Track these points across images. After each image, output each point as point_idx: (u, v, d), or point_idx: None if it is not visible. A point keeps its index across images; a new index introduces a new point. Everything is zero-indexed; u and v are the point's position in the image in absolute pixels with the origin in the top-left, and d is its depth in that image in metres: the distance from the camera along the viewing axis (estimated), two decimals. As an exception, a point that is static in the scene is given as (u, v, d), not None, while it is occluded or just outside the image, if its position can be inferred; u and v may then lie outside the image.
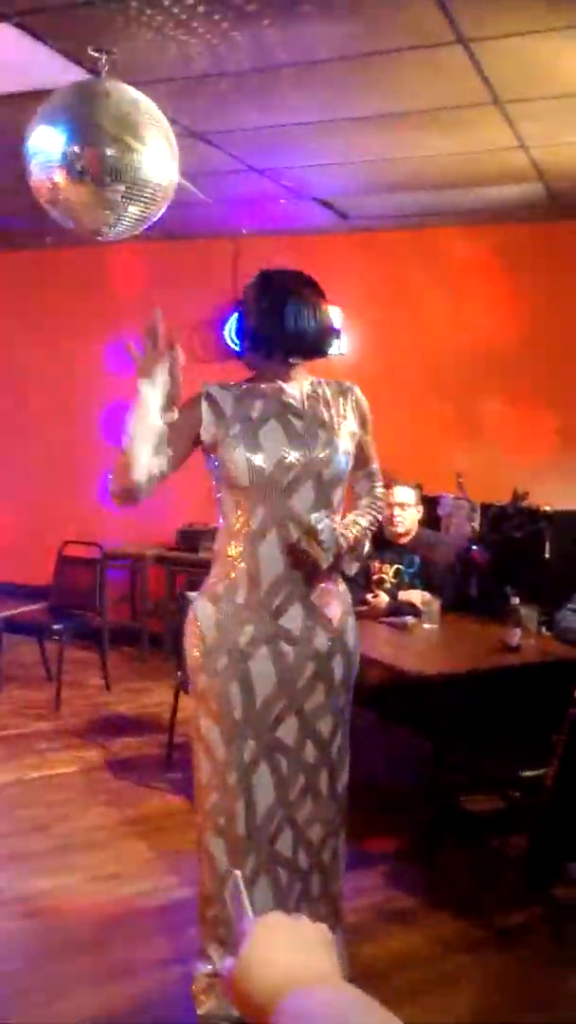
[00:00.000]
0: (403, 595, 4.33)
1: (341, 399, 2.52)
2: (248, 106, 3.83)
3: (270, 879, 2.41)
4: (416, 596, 4.27)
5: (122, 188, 2.95)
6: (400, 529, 4.47)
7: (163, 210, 3.13)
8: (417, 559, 4.47)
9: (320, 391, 2.50)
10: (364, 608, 4.39)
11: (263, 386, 2.43)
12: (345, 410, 2.51)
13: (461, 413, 5.79)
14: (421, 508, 4.56)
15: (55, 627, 5.33)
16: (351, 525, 2.49)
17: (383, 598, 4.36)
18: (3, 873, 3.41)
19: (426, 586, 4.35)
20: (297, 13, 2.93)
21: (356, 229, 6.00)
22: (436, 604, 4.13)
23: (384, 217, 5.72)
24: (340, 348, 6.13)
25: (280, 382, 2.44)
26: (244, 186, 5.06)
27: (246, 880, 2.17)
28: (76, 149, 2.90)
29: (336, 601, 2.46)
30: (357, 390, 2.58)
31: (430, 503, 4.71)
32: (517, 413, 5.65)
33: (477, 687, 3.63)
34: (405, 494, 4.48)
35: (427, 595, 4.24)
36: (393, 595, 4.38)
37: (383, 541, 4.54)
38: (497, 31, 3.06)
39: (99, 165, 2.90)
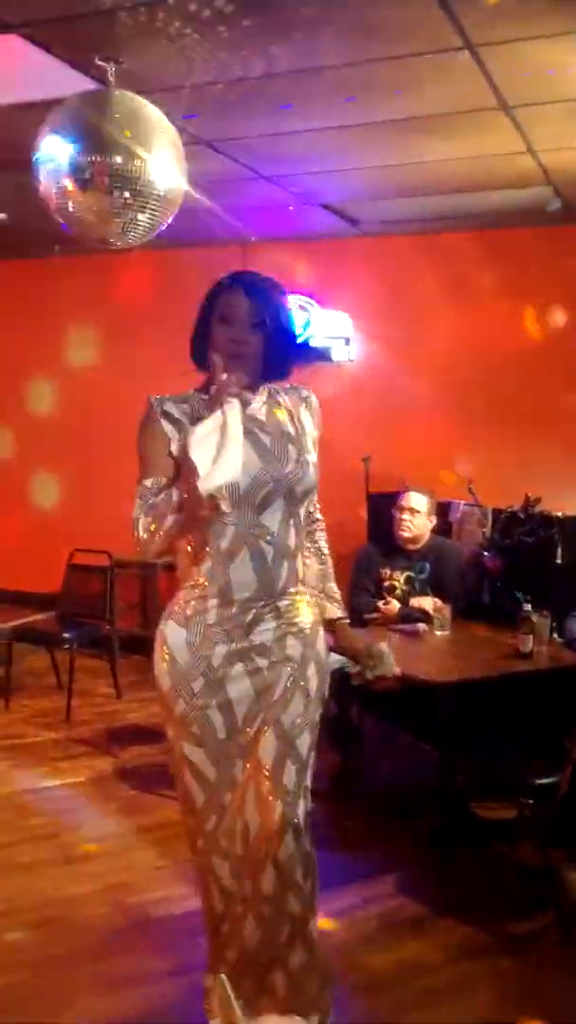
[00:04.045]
0: (414, 602, 4.32)
1: (301, 407, 2.40)
2: (256, 113, 3.83)
3: (256, 919, 2.28)
4: (427, 603, 4.26)
5: (130, 196, 2.96)
6: (407, 534, 4.45)
7: (171, 218, 3.13)
8: (428, 566, 4.45)
9: (281, 400, 2.38)
10: (376, 615, 4.38)
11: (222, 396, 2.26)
12: (306, 420, 2.39)
13: (471, 418, 5.77)
14: (435, 518, 4.54)
15: (65, 636, 5.32)
16: (329, 586, 2.52)
17: (394, 605, 4.34)
18: (12, 882, 3.40)
19: (437, 593, 4.33)
20: (304, 20, 2.93)
21: (365, 235, 6.00)
22: (447, 610, 4.11)
23: (393, 222, 5.71)
24: (349, 354, 6.14)
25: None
26: (252, 193, 5.06)
27: (239, 917, 2.21)
28: (84, 158, 2.92)
29: (306, 609, 2.38)
30: (314, 398, 2.45)
31: (441, 509, 4.69)
32: (528, 418, 5.63)
33: (489, 694, 3.61)
34: (418, 500, 4.46)
35: (438, 602, 4.22)
36: (404, 602, 4.36)
37: (394, 548, 4.53)
38: (505, 36, 3.06)
39: (107, 174, 2.91)
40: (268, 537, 2.25)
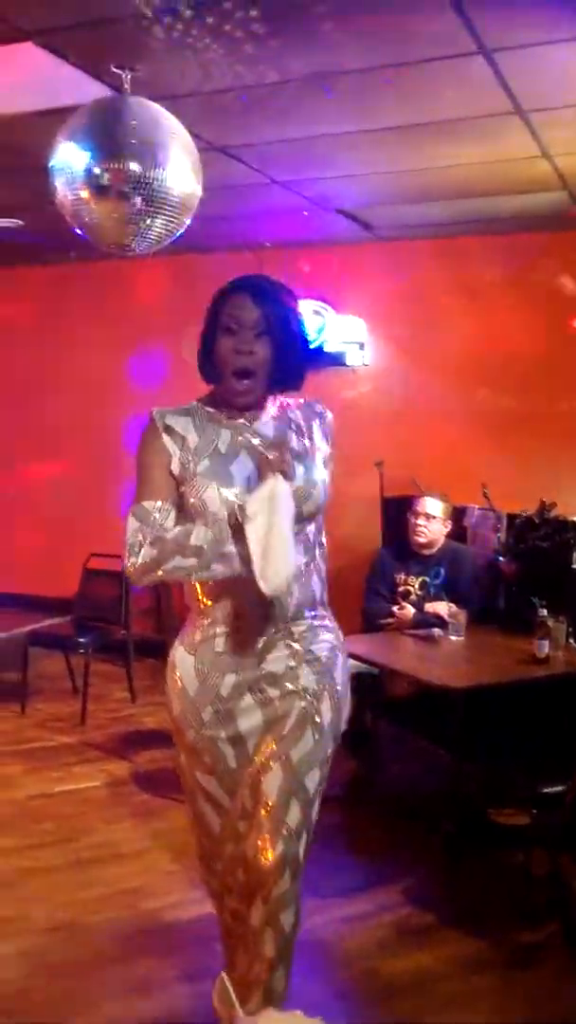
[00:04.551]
0: (429, 607, 4.31)
1: (315, 423, 2.27)
2: (270, 119, 3.84)
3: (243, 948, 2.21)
4: (442, 607, 4.25)
5: (146, 203, 2.97)
6: (422, 539, 4.45)
7: (187, 224, 3.14)
8: (443, 571, 4.44)
9: (291, 416, 2.25)
10: (391, 620, 4.38)
11: (227, 413, 2.18)
12: (317, 436, 2.26)
13: (486, 423, 5.76)
14: (450, 523, 4.54)
15: (80, 640, 5.34)
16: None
17: (409, 610, 4.34)
18: (27, 886, 3.41)
19: (452, 598, 4.33)
20: (318, 26, 2.94)
21: (379, 239, 6.00)
22: (463, 616, 4.10)
23: (407, 227, 5.71)
24: (364, 359, 6.14)
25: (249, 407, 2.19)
26: (267, 199, 5.07)
27: (256, 932, 2.10)
28: (100, 165, 2.93)
29: (325, 635, 2.25)
30: (329, 414, 2.32)
31: (456, 514, 4.68)
32: (543, 423, 5.61)
33: (504, 699, 3.59)
34: (433, 505, 4.46)
35: (453, 606, 4.21)
36: (419, 607, 4.36)
37: (409, 553, 4.53)
38: (519, 41, 3.05)
39: (123, 181, 2.92)
40: None
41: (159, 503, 2.10)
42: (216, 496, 2.07)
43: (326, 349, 6.09)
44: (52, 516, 7.08)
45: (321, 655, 2.21)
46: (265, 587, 2.00)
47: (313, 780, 2.17)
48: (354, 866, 3.59)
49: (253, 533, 2.00)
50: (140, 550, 2.05)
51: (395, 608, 4.39)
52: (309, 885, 3.42)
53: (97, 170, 2.92)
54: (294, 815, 2.13)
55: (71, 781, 4.40)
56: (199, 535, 2.04)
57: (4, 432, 7.27)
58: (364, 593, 4.59)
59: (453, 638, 4.04)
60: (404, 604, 4.38)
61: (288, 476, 2.07)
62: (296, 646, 2.18)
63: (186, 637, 2.24)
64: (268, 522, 2.00)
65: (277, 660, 2.17)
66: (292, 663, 2.17)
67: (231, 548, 2.03)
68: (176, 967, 2.89)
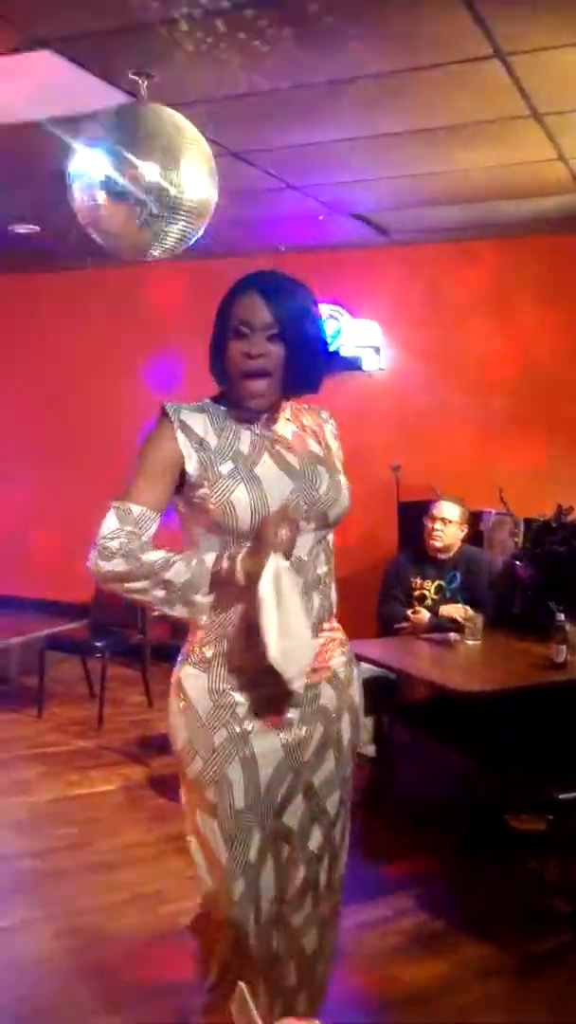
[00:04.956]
0: (444, 610, 4.30)
1: (322, 428, 2.17)
2: (286, 124, 3.84)
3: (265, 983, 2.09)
4: (457, 611, 4.23)
5: (162, 208, 2.98)
6: (438, 544, 4.44)
7: (203, 229, 3.15)
8: (459, 575, 4.43)
9: (304, 420, 2.14)
10: (405, 625, 4.37)
11: (244, 415, 2.03)
12: (330, 439, 2.17)
13: (503, 427, 5.74)
14: (467, 528, 4.53)
15: (97, 644, 5.36)
16: None
17: (424, 614, 4.32)
18: (44, 891, 3.42)
19: (469, 602, 4.31)
20: (333, 31, 2.94)
21: (395, 244, 6.00)
22: (479, 620, 4.09)
23: (423, 231, 5.71)
24: (379, 363, 6.14)
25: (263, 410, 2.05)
26: (283, 203, 5.08)
27: (277, 959, 2.03)
28: (117, 171, 2.94)
29: (340, 648, 2.14)
30: (333, 421, 2.23)
31: (472, 518, 4.67)
32: (560, 427, 5.59)
33: (521, 704, 3.58)
34: (449, 510, 4.45)
35: (468, 609, 4.20)
36: (434, 611, 4.34)
37: (425, 557, 4.52)
38: (535, 44, 3.05)
39: (140, 186, 2.93)
40: (298, 566, 1.99)
41: (145, 509, 1.95)
42: (242, 499, 1.92)
43: (342, 353, 6.10)
44: (70, 521, 7.10)
45: (339, 671, 2.12)
46: (289, 676, 1.90)
47: (334, 802, 2.11)
48: (370, 872, 3.57)
49: (266, 620, 1.86)
50: (111, 558, 1.92)
51: (409, 612, 4.38)
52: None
53: (114, 176, 2.94)
54: (315, 839, 2.09)
55: (88, 785, 4.41)
56: (177, 571, 1.91)
57: (22, 438, 7.31)
58: (379, 596, 4.59)
59: (469, 642, 4.02)
60: (418, 608, 4.37)
61: (288, 556, 1.92)
62: (315, 661, 2.04)
63: (193, 654, 2.05)
64: (277, 607, 1.86)
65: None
66: (312, 680, 2.04)
67: (202, 599, 1.95)
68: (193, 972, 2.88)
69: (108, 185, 2.95)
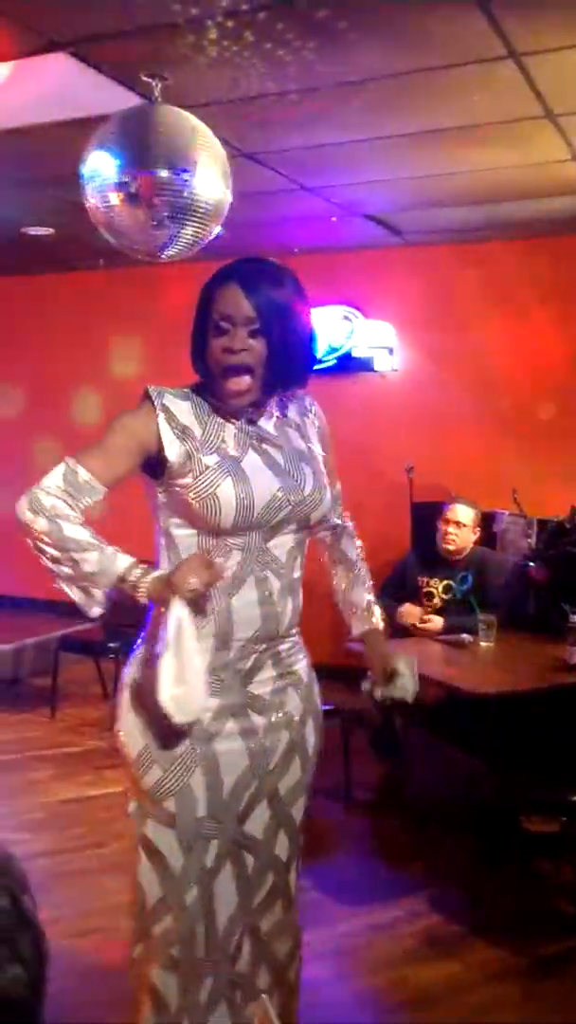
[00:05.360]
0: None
1: (306, 419, 2.08)
2: (299, 125, 3.85)
3: (228, 1004, 2.01)
4: (412, 616, 4.30)
5: (176, 210, 2.98)
6: (451, 547, 4.44)
7: (216, 231, 3.15)
8: (470, 576, 4.42)
9: (289, 412, 2.04)
10: (421, 626, 4.36)
11: (228, 408, 1.94)
12: (313, 434, 2.07)
13: (516, 428, 5.73)
14: (479, 531, 4.52)
15: (110, 645, 5.37)
16: (360, 595, 2.22)
17: (436, 621, 4.32)
18: (59, 891, 3.42)
19: (481, 603, 4.31)
20: (346, 31, 2.94)
21: (408, 245, 5.99)
22: (493, 621, 4.08)
23: (437, 232, 5.70)
24: (393, 364, 6.13)
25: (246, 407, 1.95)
26: (296, 205, 5.08)
27: (201, 1009, 1.95)
28: (130, 173, 2.95)
29: (302, 653, 2.08)
30: (317, 406, 2.12)
31: (485, 520, 4.66)
32: (573, 428, 5.57)
33: (534, 706, 3.57)
34: (464, 513, 4.45)
35: (436, 620, 4.22)
36: (441, 611, 4.35)
37: (436, 557, 4.51)
38: (549, 44, 3.04)
39: (153, 188, 2.93)
40: (275, 567, 1.93)
41: (92, 478, 1.88)
42: (228, 494, 1.85)
43: (355, 354, 6.10)
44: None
45: (303, 675, 2.06)
46: (177, 722, 1.81)
47: (299, 808, 2.06)
48: (382, 873, 3.58)
49: (163, 663, 1.80)
50: (38, 514, 1.83)
51: (419, 624, 4.37)
52: (337, 891, 3.43)
53: (127, 178, 2.95)
54: (282, 845, 2.02)
55: (102, 785, 4.42)
56: (88, 558, 1.84)
57: (35, 439, 7.33)
58: (379, 588, 4.62)
59: (483, 644, 4.01)
60: (430, 616, 4.36)
61: (200, 610, 1.85)
62: (282, 666, 1.99)
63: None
64: (175, 655, 1.79)
65: (263, 682, 1.97)
66: (278, 684, 1.99)
67: (99, 595, 1.89)
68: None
69: (122, 187, 2.96)
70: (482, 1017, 2.70)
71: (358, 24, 2.89)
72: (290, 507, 1.92)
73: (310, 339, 1.99)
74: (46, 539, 1.84)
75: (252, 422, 1.96)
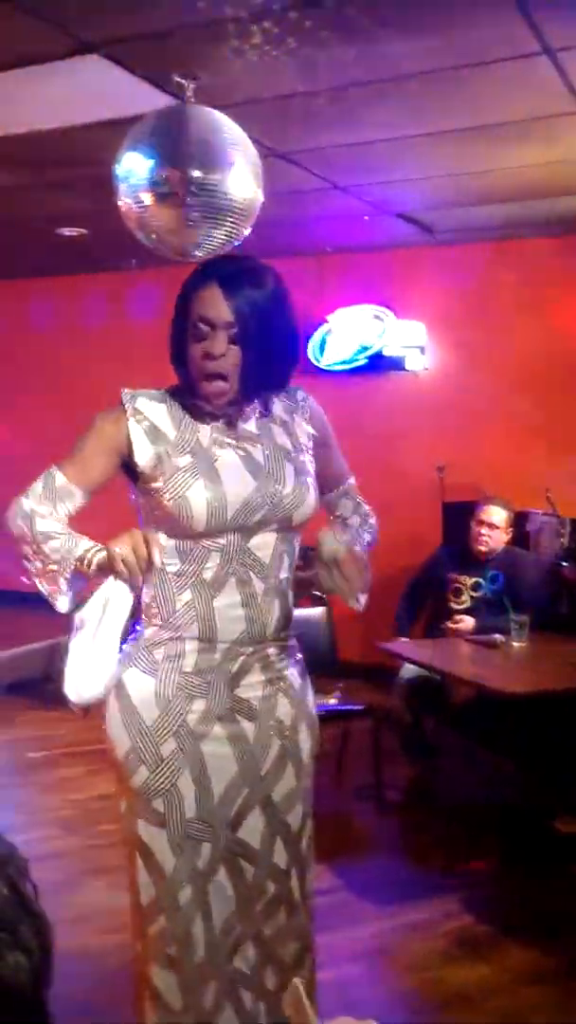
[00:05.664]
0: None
1: (295, 416, 2.01)
2: (331, 124, 3.84)
3: (234, 1007, 1.95)
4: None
5: (208, 209, 2.99)
6: (484, 548, 4.43)
7: (248, 230, 3.16)
8: (501, 576, 4.40)
9: (275, 408, 1.98)
10: (453, 625, 4.35)
11: (205, 407, 1.91)
12: (302, 431, 2.00)
13: (549, 428, 5.68)
14: (512, 531, 4.50)
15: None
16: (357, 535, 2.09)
17: (468, 622, 4.31)
18: (88, 888, 3.45)
19: (513, 603, 4.28)
20: (379, 29, 2.93)
21: (441, 243, 5.97)
22: (525, 621, 4.06)
23: (469, 230, 5.67)
24: (424, 363, 6.11)
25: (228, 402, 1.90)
26: (328, 204, 5.08)
27: (208, 1014, 1.90)
28: (163, 173, 2.96)
29: (294, 657, 2.01)
30: (311, 400, 2.04)
31: (518, 519, 4.63)
32: (607, 427, 5.52)
33: (567, 706, 3.54)
34: (498, 515, 4.43)
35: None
36: (472, 611, 4.34)
37: (468, 558, 4.49)
38: (584, 40, 3.01)
39: (185, 188, 2.94)
40: (258, 569, 1.88)
41: (67, 482, 1.93)
42: (198, 497, 1.82)
43: (386, 353, 6.08)
44: (95, 522, 7.16)
45: (294, 681, 1.99)
46: (73, 699, 1.87)
47: (296, 816, 1.98)
48: (415, 873, 3.56)
49: (74, 642, 1.83)
50: (16, 518, 1.89)
51: (450, 624, 4.36)
52: (368, 892, 3.43)
53: (160, 178, 2.96)
54: (279, 853, 1.95)
55: (132, 783, 4.44)
56: (52, 546, 1.87)
57: (71, 438, 7.38)
58: (409, 583, 4.62)
59: (515, 644, 3.99)
60: (462, 617, 4.35)
61: (134, 587, 1.85)
62: (271, 671, 1.94)
63: (140, 656, 1.91)
64: (95, 632, 1.84)
65: (252, 686, 1.92)
66: (268, 690, 1.93)
67: (64, 583, 1.88)
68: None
69: (154, 187, 2.97)
70: (515, 1019, 2.69)
71: (390, 21, 2.88)
72: (268, 507, 1.87)
73: (293, 339, 1.95)
74: (21, 539, 1.89)
75: (231, 422, 1.92)
